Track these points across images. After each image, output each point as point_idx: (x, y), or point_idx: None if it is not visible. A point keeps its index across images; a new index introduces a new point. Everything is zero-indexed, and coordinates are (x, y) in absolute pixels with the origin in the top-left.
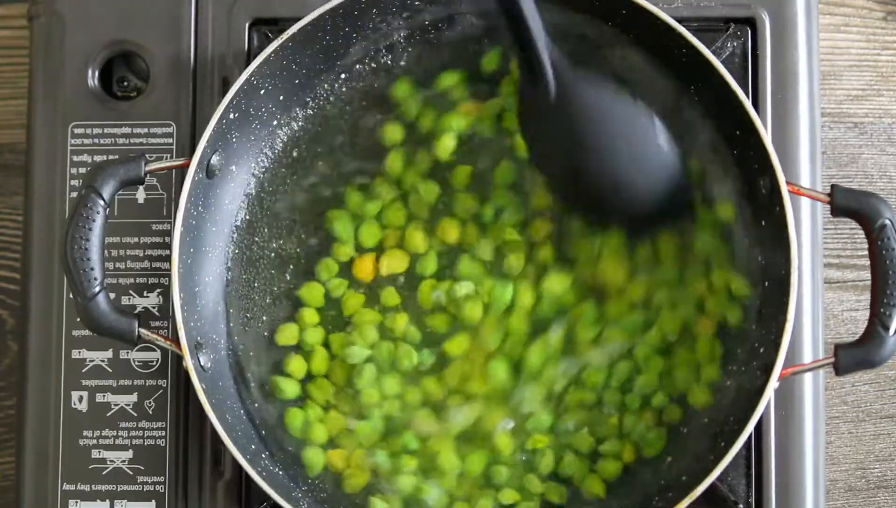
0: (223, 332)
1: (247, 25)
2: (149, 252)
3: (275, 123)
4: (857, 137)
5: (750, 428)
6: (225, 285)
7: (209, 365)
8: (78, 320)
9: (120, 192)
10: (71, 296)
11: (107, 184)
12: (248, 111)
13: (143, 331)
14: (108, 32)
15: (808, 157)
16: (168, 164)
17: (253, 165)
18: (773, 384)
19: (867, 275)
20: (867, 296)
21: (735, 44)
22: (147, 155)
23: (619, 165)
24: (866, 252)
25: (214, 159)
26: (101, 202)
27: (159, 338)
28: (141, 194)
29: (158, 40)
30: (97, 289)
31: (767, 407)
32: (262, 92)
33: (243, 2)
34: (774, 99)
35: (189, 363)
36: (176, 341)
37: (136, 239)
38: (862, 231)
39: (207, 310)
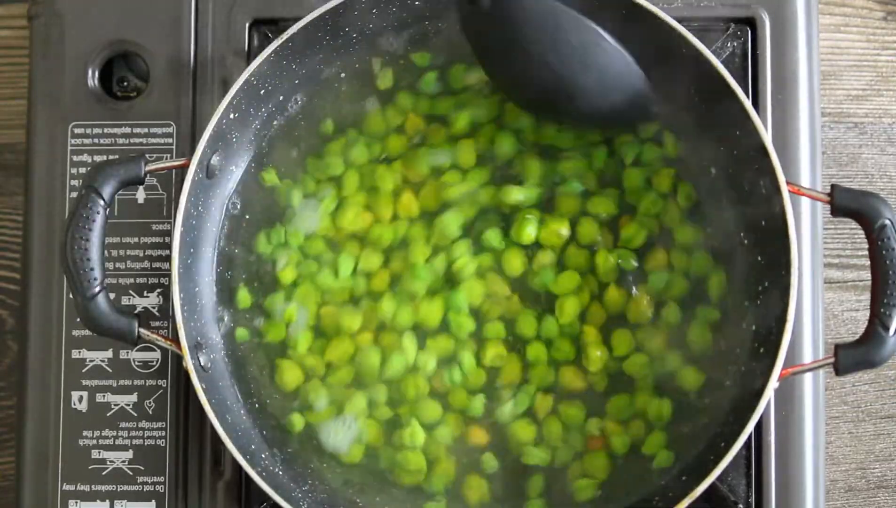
0: (223, 332)
1: (247, 25)
2: (149, 252)
3: (274, 123)
4: (857, 137)
5: (750, 428)
6: (225, 286)
7: (209, 365)
8: (78, 320)
9: (120, 192)
10: (71, 296)
11: (107, 184)
12: (248, 111)
13: (143, 331)
14: (108, 32)
15: (808, 157)
16: (168, 164)
17: (253, 165)
18: (773, 384)
19: (867, 275)
20: (867, 296)
21: (735, 44)
22: (147, 155)
23: (562, 70)
24: (866, 252)
25: (214, 159)
26: (101, 202)
27: (159, 338)
28: (141, 194)
29: (158, 40)
30: (97, 289)
31: (767, 407)
32: (262, 92)
33: (243, 2)
34: (774, 99)
35: (189, 363)
36: (176, 341)
37: (136, 239)
38: (862, 231)
39: (207, 310)
